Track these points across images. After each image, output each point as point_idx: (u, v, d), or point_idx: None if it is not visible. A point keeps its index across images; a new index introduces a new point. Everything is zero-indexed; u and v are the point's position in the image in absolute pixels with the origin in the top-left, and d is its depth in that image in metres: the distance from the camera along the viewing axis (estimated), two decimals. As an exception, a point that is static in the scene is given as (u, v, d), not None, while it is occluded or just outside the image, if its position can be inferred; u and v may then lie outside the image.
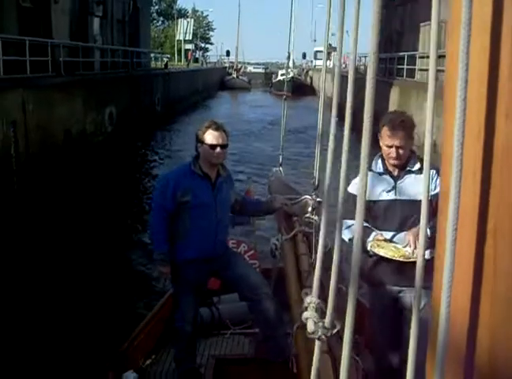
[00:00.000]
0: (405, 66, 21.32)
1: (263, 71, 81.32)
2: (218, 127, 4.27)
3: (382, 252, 3.46)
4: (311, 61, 77.04)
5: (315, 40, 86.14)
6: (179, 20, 62.34)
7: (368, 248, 3.48)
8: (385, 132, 3.53)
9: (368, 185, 3.44)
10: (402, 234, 3.49)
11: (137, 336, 4.74)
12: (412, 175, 3.57)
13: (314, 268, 2.45)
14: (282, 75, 56.62)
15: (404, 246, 3.44)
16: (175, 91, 32.92)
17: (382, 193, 3.61)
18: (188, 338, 4.44)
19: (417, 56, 21.78)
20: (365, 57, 37.25)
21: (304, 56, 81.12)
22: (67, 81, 15.71)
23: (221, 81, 62.91)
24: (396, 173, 3.62)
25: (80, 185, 13.52)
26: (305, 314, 1.52)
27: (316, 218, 4.12)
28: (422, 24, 21.97)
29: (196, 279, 4.36)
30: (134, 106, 22.29)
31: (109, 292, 7.90)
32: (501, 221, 1.09)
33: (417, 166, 3.56)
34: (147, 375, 4.56)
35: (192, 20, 65.88)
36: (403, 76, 22.50)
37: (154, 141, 22.54)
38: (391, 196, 3.59)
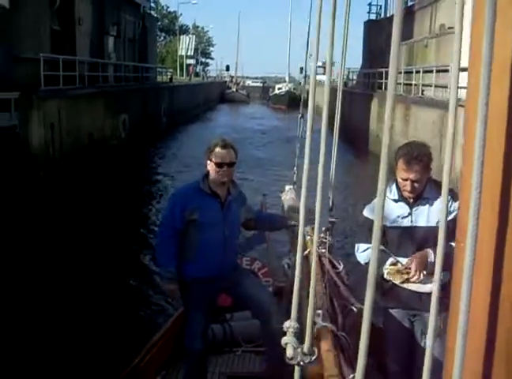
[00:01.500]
0: (383, 80, 23.98)
1: (261, 85, 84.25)
2: (225, 145, 4.21)
3: (395, 279, 3.52)
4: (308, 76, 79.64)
5: (311, 55, 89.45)
6: (182, 36, 65.22)
7: (385, 275, 3.52)
8: (400, 165, 3.49)
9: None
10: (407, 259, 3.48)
11: (147, 353, 4.68)
12: (428, 202, 3.54)
13: (325, 288, 2.71)
14: (279, 89, 59.39)
15: (405, 269, 3.46)
16: (179, 103, 35.67)
17: (398, 219, 3.56)
18: (198, 355, 4.37)
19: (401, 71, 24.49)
20: (352, 71, 40.16)
21: (301, 70, 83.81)
22: (90, 92, 18.43)
23: (221, 95, 65.39)
24: (411, 200, 3.59)
25: (98, 181, 16.11)
26: (284, 339, 1.46)
27: (329, 238, 4.07)
28: (402, 43, 24.66)
29: (204, 298, 4.31)
30: (144, 116, 24.99)
31: (121, 307, 7.96)
32: None
33: (433, 192, 3.50)
34: None
35: (194, 36, 68.89)
36: (382, 89, 25.20)
37: (160, 147, 25.16)
38: (406, 222, 3.56)
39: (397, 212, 3.57)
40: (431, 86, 17.36)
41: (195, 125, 35.76)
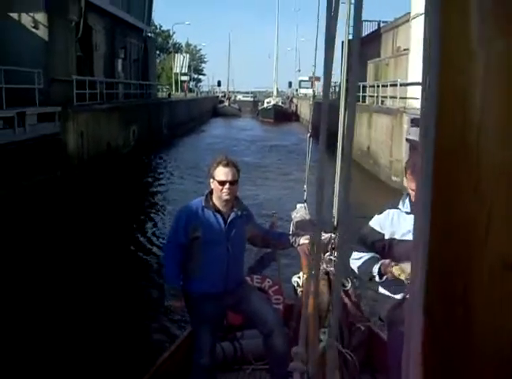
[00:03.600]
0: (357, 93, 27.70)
1: (252, 99, 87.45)
2: (228, 163, 4.23)
3: (396, 272, 3.37)
4: (296, 90, 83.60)
5: (299, 70, 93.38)
6: (176, 54, 69.06)
7: (393, 271, 3.36)
8: (408, 174, 3.50)
9: (394, 223, 3.56)
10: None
11: (157, 370, 4.71)
12: None
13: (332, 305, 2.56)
14: (268, 103, 63.04)
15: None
16: (177, 117, 39.48)
17: (408, 233, 3.40)
18: (206, 371, 4.36)
19: (368, 85, 28.43)
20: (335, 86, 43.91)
21: (290, 85, 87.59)
22: (108, 107, 22.20)
23: (214, 109, 68.58)
24: None
25: (115, 179, 19.75)
26: (291, 365, 1.51)
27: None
28: (369, 61, 28.65)
29: (210, 314, 4.31)
30: (148, 128, 28.76)
31: (132, 323, 8.10)
32: None
33: None
34: None
35: (188, 55, 72.85)
36: (358, 101, 29.12)
37: (163, 154, 28.88)
38: None
39: (407, 225, 3.44)
40: (386, 97, 21.26)
41: (191, 137, 39.79)
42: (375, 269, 3.49)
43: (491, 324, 1.00)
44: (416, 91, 19.42)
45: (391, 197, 16.52)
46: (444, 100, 0.95)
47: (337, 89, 39.08)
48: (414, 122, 17.04)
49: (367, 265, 3.63)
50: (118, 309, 8.55)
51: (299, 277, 4.62)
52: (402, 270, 3.30)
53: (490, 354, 1.00)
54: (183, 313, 4.73)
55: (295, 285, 4.67)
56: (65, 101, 17.87)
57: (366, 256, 3.65)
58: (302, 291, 4.27)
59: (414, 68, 19.62)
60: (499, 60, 0.94)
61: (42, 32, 18.02)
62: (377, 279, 3.52)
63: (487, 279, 0.99)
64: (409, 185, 3.51)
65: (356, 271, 3.67)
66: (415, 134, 16.47)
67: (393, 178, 18.31)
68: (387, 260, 3.45)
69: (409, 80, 19.89)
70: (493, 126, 0.96)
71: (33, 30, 17.90)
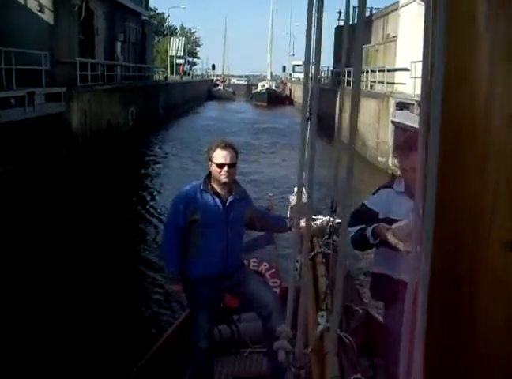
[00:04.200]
0: (345, 78, 28.77)
1: (246, 83, 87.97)
2: (226, 146, 4.23)
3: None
4: (290, 74, 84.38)
5: (293, 55, 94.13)
6: (172, 38, 69.69)
7: (388, 237, 3.23)
8: (399, 154, 3.58)
9: (389, 203, 3.61)
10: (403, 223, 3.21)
11: (155, 354, 4.68)
12: None
13: (330, 289, 2.83)
14: (261, 87, 63.84)
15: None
16: (173, 99, 40.45)
17: (401, 213, 3.44)
18: (204, 354, 4.39)
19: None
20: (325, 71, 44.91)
21: (284, 69, 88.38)
22: (109, 88, 23.18)
23: (208, 92, 69.01)
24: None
25: (115, 156, 20.89)
26: (276, 344, 1.47)
27: (336, 239, 3.93)
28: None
29: (208, 297, 4.34)
30: (146, 109, 29.73)
31: (129, 307, 8.11)
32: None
33: None
34: None
35: (183, 38, 73.47)
36: (347, 85, 30.13)
37: (159, 135, 29.88)
38: (409, 216, 3.34)
39: (400, 205, 3.51)
40: (375, 82, 22.35)
41: (187, 118, 40.78)
42: (369, 232, 3.47)
43: (494, 303, 1.00)
44: (402, 77, 20.51)
45: (377, 176, 17.71)
46: (450, 79, 0.95)
47: (326, 74, 40.15)
48: (399, 106, 18.14)
49: (360, 232, 3.56)
50: (116, 288, 8.71)
51: (296, 260, 4.39)
52: (394, 233, 3.22)
53: (494, 332, 1.01)
54: (181, 295, 4.72)
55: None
56: (69, 82, 18.80)
57: (358, 227, 3.61)
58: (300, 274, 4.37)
59: (401, 54, 20.68)
60: (505, 42, 0.97)
61: (47, 16, 18.90)
62: (371, 240, 3.48)
63: (492, 259, 0.99)
64: (401, 164, 3.53)
65: (350, 241, 3.62)
66: (399, 117, 17.57)
67: (380, 159, 19.43)
68: (382, 223, 3.41)
69: (397, 66, 20.90)
70: (499, 104, 0.98)
71: (39, 14, 18.78)
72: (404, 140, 3.71)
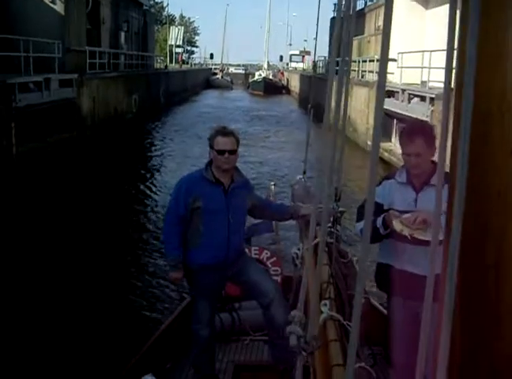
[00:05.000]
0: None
1: (243, 72, 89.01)
2: (226, 133, 4.21)
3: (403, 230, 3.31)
4: (287, 64, 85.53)
5: (291, 44, 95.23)
6: (172, 27, 70.75)
7: (395, 227, 3.31)
8: (403, 140, 3.51)
9: (391, 194, 3.58)
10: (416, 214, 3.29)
11: (156, 341, 4.71)
12: (434, 189, 5.12)
13: (333, 278, 2.88)
14: (259, 76, 64.92)
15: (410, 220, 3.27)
16: (173, 87, 41.78)
17: (403, 203, 3.51)
18: (205, 342, 4.41)
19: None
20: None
21: (281, 59, 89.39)
22: (115, 76, 24.54)
23: (207, 81, 69.88)
24: (418, 185, 3.54)
25: (121, 139, 22.29)
26: (288, 328, 1.47)
27: (338, 228, 3.93)
28: (353, 38, 30.96)
29: (210, 285, 4.34)
30: (148, 96, 31.07)
31: (131, 294, 8.12)
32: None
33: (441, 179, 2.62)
34: None
35: (182, 27, 74.53)
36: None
37: (161, 121, 31.24)
38: (412, 207, 3.48)
39: (402, 196, 3.53)
40: (365, 72, 23.77)
41: (186, 106, 42.20)
42: (379, 221, 3.43)
43: None
44: (391, 67, 21.81)
45: (366, 159, 18.90)
46: (482, 69, 0.96)
47: (324, 64, 41.32)
48: (386, 93, 19.50)
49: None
50: (116, 271, 8.88)
51: (298, 249, 4.53)
52: (404, 224, 3.25)
53: None
54: (182, 283, 4.75)
55: (295, 256, 4.58)
56: (79, 69, 20.12)
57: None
58: (301, 263, 4.20)
59: (391, 46, 21.98)
60: None
61: (59, 7, 20.15)
62: (381, 231, 3.45)
63: None
64: (405, 150, 3.48)
65: (360, 233, 3.51)
66: (386, 104, 18.93)
67: (369, 143, 20.81)
68: (392, 211, 3.39)
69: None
70: None
71: (51, 5, 20.03)
72: (408, 126, 3.67)
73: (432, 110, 14.61)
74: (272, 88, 59.66)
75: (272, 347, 4.54)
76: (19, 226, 10.56)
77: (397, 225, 3.25)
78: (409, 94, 17.10)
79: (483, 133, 1.02)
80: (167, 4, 78.91)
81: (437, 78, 15.53)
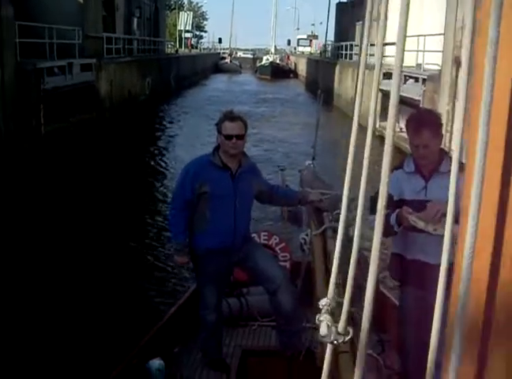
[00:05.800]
0: (343, 51, 31.39)
1: (251, 56, 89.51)
2: (234, 117, 4.19)
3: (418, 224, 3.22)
4: (294, 48, 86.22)
5: (298, 29, 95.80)
6: (181, 12, 71.82)
7: (410, 221, 3.21)
8: (410, 131, 3.46)
9: (400, 184, 3.52)
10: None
11: (163, 326, 4.73)
12: (444, 176, 3.32)
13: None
14: (266, 60, 65.75)
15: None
16: (183, 70, 43.06)
17: (413, 193, 3.49)
18: (212, 326, 4.41)
19: (353, 44, 31.93)
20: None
21: (289, 43, 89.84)
22: (129, 60, 25.95)
23: (215, 65, 70.72)
24: (427, 173, 3.52)
25: (137, 120, 23.76)
26: (319, 316, 1.41)
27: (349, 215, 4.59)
28: (357, 23, 32.12)
29: (216, 270, 4.30)
30: (160, 80, 32.43)
31: (139, 279, 8.12)
32: None
33: (449, 167, 2.54)
34: (174, 363, 4.52)
35: (191, 13, 75.62)
36: (345, 58, 32.73)
37: (172, 103, 32.58)
38: (421, 196, 3.47)
39: (412, 185, 3.51)
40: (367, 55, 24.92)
41: (196, 89, 43.44)
42: (393, 219, 3.37)
43: None
44: (390, 50, 22.96)
45: (365, 139, 20.09)
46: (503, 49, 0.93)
47: (331, 48, 42.25)
48: (386, 75, 20.63)
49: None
50: (122, 258, 8.82)
51: (306, 235, 4.45)
52: (419, 218, 3.18)
53: None
54: (189, 268, 4.71)
55: (303, 242, 4.49)
56: (97, 55, 21.47)
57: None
58: (309, 248, 4.05)
59: (391, 30, 23.10)
60: None
61: (78, -5, 21.53)
62: (395, 228, 3.40)
63: None
64: (413, 141, 3.44)
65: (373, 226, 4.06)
66: (385, 85, 20.10)
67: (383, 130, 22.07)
68: (405, 207, 3.31)
69: (387, 41, 23.34)
70: None
71: (70, -7, 21.38)
72: (415, 117, 3.57)
73: (424, 90, 15.83)
74: (279, 72, 60.39)
75: (280, 332, 4.58)
76: (47, 198, 11.94)
77: (419, 223, 3.16)
78: (405, 76, 18.30)
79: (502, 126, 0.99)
80: (176, -11, 79.94)
81: (432, 61, 16.73)
